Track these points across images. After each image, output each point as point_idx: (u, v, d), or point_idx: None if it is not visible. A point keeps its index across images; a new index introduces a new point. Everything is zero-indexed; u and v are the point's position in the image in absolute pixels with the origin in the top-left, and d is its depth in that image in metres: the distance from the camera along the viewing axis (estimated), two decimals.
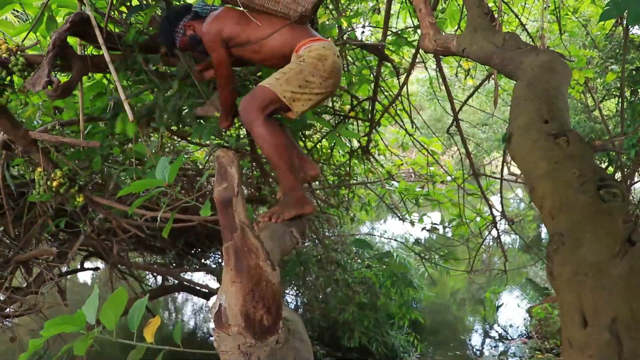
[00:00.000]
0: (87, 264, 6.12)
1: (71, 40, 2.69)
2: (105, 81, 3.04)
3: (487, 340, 7.77)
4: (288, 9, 2.20)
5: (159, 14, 2.78)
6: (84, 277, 9.88)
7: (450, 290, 9.53)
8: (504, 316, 8.20)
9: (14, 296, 3.93)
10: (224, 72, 2.35)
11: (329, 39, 2.36)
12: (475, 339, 7.89)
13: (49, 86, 2.29)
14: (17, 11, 3.17)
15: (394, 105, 4.44)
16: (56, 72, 2.72)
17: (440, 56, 2.87)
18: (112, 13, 2.62)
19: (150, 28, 2.79)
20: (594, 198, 1.02)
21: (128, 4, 2.79)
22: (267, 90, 2.09)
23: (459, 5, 4.20)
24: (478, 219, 5.29)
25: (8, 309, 4.16)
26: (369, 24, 4.82)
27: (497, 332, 7.86)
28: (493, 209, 4.80)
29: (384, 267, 5.47)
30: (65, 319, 1.36)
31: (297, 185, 2.19)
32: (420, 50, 3.76)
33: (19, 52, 2.43)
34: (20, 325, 4.61)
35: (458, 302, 9.24)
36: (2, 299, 3.96)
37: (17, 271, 4.40)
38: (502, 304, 8.16)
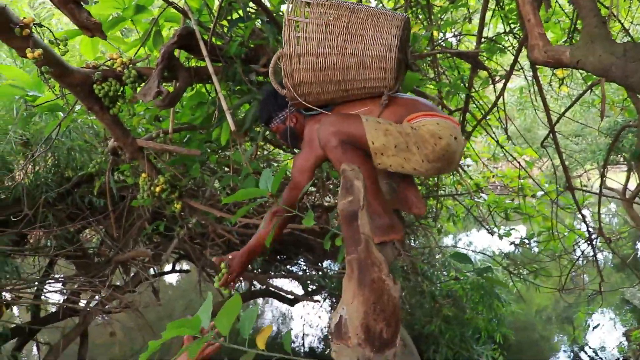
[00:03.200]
0: (177, 267, 6.36)
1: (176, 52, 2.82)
2: (204, 91, 3.15)
3: None
4: (372, 83, 2.00)
5: (259, 26, 2.85)
6: (170, 278, 10.28)
7: (536, 307, 9.16)
8: (595, 338, 7.78)
9: (115, 294, 4.14)
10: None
11: (447, 114, 2.06)
12: None
13: (158, 96, 2.41)
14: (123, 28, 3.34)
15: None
16: (162, 83, 2.84)
17: (551, 67, 2.76)
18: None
19: (250, 41, 2.87)
20: None
21: (229, 17, 2.88)
22: (359, 125, 1.87)
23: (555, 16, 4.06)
24: (567, 234, 5.07)
25: (108, 306, 4.38)
26: (460, 32, 4.73)
27: (587, 354, 7.46)
28: (589, 225, 4.58)
29: (482, 281, 5.32)
30: (184, 322, 1.40)
31: (382, 212, 1.97)
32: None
33: (131, 65, 2.57)
34: (114, 321, 4.86)
35: (544, 320, 8.87)
36: (103, 295, 4.17)
37: (116, 270, 4.65)
38: (598, 325, 7.71)
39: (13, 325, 4.68)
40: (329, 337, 1.26)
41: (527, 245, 5.55)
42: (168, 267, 6.99)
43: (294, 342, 7.18)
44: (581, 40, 1.84)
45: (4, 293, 4.31)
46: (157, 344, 1.51)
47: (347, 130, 1.87)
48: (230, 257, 2.18)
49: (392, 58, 1.93)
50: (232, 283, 2.17)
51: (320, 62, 1.94)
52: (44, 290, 4.97)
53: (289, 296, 6.27)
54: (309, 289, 6.89)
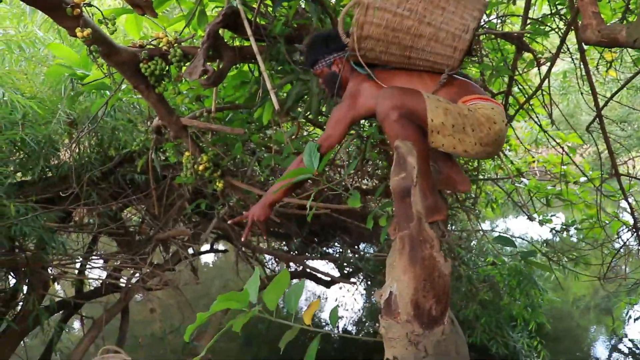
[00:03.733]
0: (214, 247, 6.47)
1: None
2: (247, 70, 3.17)
3: (615, 355, 7.25)
4: (437, 58, 1.98)
5: (303, 6, 2.84)
6: (207, 259, 10.46)
7: (573, 296, 9.00)
8: (635, 330, 7.60)
9: (156, 271, 4.23)
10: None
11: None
12: (601, 351, 7.39)
13: (204, 75, 2.43)
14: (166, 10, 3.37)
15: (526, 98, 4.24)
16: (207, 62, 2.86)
17: (606, 47, 2.67)
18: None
19: (294, 20, 2.87)
20: None
21: None
22: (421, 101, 1.82)
23: None
24: (611, 222, 4.94)
25: (148, 283, 4.48)
26: (505, 14, 4.63)
27: (626, 346, 7.30)
28: (635, 213, 4.45)
29: (520, 267, 5.28)
30: (232, 295, 1.42)
31: (429, 192, 1.93)
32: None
33: (176, 45, 2.60)
34: (155, 298, 4.98)
35: (582, 309, 8.71)
36: (144, 272, 4.28)
37: (156, 249, 4.76)
38: None
39: (59, 299, 4.84)
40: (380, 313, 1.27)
41: (569, 232, 5.44)
42: (205, 248, 7.11)
43: (327, 324, 7.23)
44: (639, 18, 1.78)
45: (50, 268, 4.45)
46: (205, 315, 1.54)
47: (408, 104, 1.82)
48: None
49: (466, 40, 1.91)
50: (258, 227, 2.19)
51: (395, 22, 1.88)
52: (88, 266, 5.12)
53: (325, 278, 6.29)
54: (345, 271, 6.92)
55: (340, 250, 6.90)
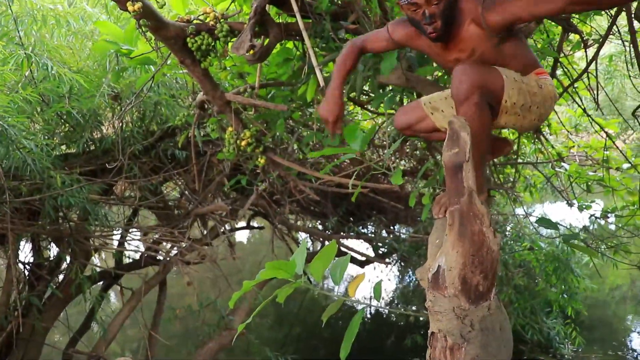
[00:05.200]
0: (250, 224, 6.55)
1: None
2: (290, 47, 3.17)
3: None
4: None
5: None
6: (241, 236, 10.58)
7: (609, 285, 8.84)
8: None
9: (194, 245, 4.31)
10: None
11: None
12: (638, 342, 7.26)
13: (251, 50, 2.46)
14: None
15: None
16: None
17: None
18: None
19: None
20: None
21: None
22: (499, 80, 1.73)
23: None
24: None
25: (187, 256, 4.58)
26: None
27: None
28: None
29: (557, 253, 5.21)
30: (280, 264, 1.45)
31: (478, 176, 1.79)
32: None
33: (223, 20, 2.62)
34: (193, 271, 5.09)
35: (618, 299, 8.55)
36: (184, 246, 4.37)
37: (194, 223, 4.85)
38: None
39: (100, 269, 4.99)
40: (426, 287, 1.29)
41: (607, 220, 5.33)
42: (241, 224, 7.18)
43: (359, 303, 7.27)
44: None
45: (92, 238, 4.59)
46: (251, 284, 1.58)
47: (489, 85, 1.72)
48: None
49: None
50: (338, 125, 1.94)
51: None
52: (128, 239, 5.26)
53: (360, 257, 6.32)
54: (380, 252, 6.95)
55: (376, 230, 6.92)
